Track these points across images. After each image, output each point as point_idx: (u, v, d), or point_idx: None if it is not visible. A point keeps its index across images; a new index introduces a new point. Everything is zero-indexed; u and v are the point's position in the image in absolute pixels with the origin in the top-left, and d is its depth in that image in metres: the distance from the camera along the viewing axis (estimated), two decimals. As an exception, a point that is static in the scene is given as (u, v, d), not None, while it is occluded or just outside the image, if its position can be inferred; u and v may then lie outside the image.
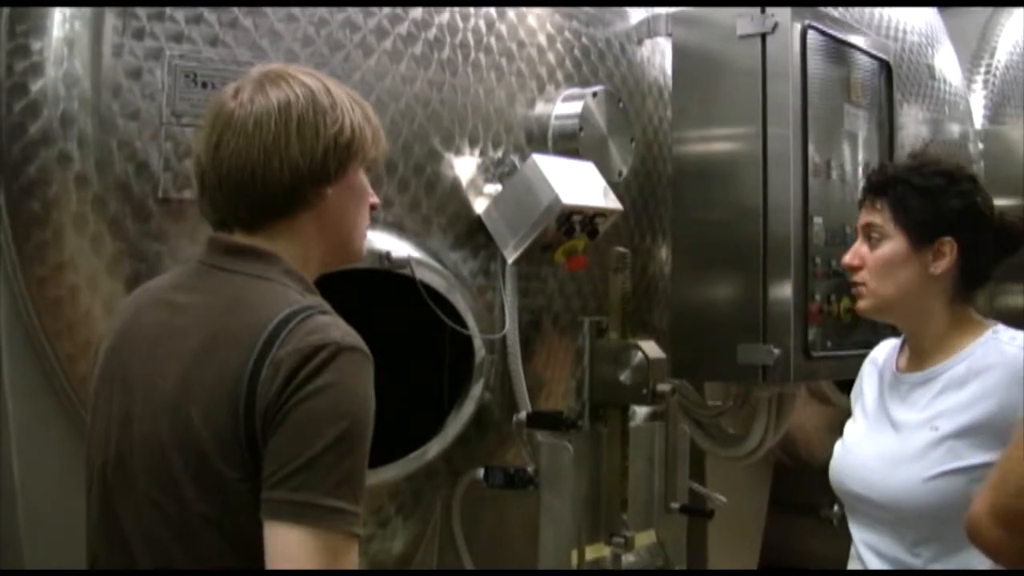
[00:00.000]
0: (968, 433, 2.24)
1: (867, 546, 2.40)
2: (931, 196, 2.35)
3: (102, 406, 1.86)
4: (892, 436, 2.37)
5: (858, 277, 2.42)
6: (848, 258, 2.45)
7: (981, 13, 6.67)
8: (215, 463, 1.66)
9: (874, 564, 2.37)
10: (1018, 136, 5.78)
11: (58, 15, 2.45)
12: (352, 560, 1.63)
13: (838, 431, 4.84)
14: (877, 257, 2.38)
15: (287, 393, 1.63)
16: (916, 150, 2.78)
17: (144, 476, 1.74)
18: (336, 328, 1.70)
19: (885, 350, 2.56)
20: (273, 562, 1.60)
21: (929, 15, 5.54)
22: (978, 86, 6.22)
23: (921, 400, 2.35)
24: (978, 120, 6.00)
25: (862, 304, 2.44)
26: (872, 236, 2.40)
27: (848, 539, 4.91)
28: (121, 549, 1.78)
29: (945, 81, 5.46)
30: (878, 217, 2.38)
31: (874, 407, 2.48)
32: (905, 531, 2.31)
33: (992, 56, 6.35)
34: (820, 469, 2.83)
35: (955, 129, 5.51)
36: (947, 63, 5.56)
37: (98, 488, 1.83)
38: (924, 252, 2.35)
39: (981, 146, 5.71)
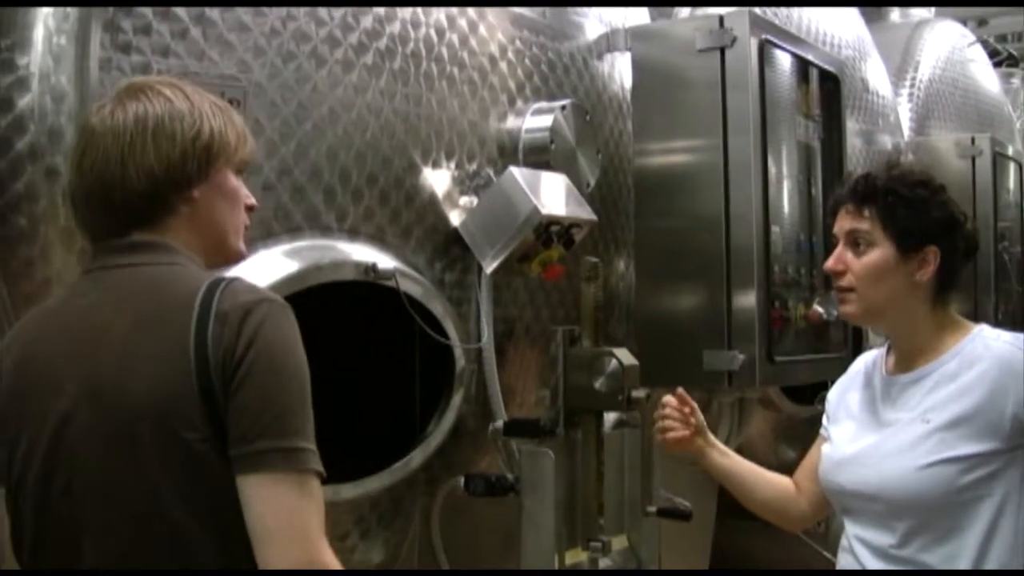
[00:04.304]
0: (958, 424, 2.33)
1: (858, 539, 2.46)
2: (917, 206, 2.42)
3: (17, 427, 1.84)
4: (884, 432, 2.45)
5: (844, 282, 2.46)
6: (832, 263, 2.49)
7: (905, 28, 6.87)
8: (174, 429, 1.70)
9: (865, 555, 2.44)
10: (946, 147, 5.96)
11: (43, 30, 2.44)
12: (321, 496, 1.74)
13: (784, 437, 4.96)
14: (866, 264, 2.44)
15: (241, 346, 1.71)
16: (892, 160, 2.87)
17: (98, 468, 1.75)
18: (260, 288, 1.83)
19: (869, 359, 2.64)
20: (265, 512, 1.68)
21: (859, 28, 5.70)
22: (903, 99, 6.40)
23: (912, 399, 2.43)
24: (905, 132, 6.18)
25: (850, 309, 2.48)
26: (858, 243, 2.46)
27: (795, 543, 5.01)
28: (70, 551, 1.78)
29: (877, 94, 5.62)
30: (865, 224, 2.44)
31: (863, 410, 2.54)
32: (896, 523, 2.38)
33: (916, 70, 6.54)
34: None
35: (887, 140, 5.67)
36: (878, 76, 5.72)
37: (32, 499, 1.82)
38: (910, 260, 2.42)
39: (911, 157, 5.88)
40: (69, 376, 1.80)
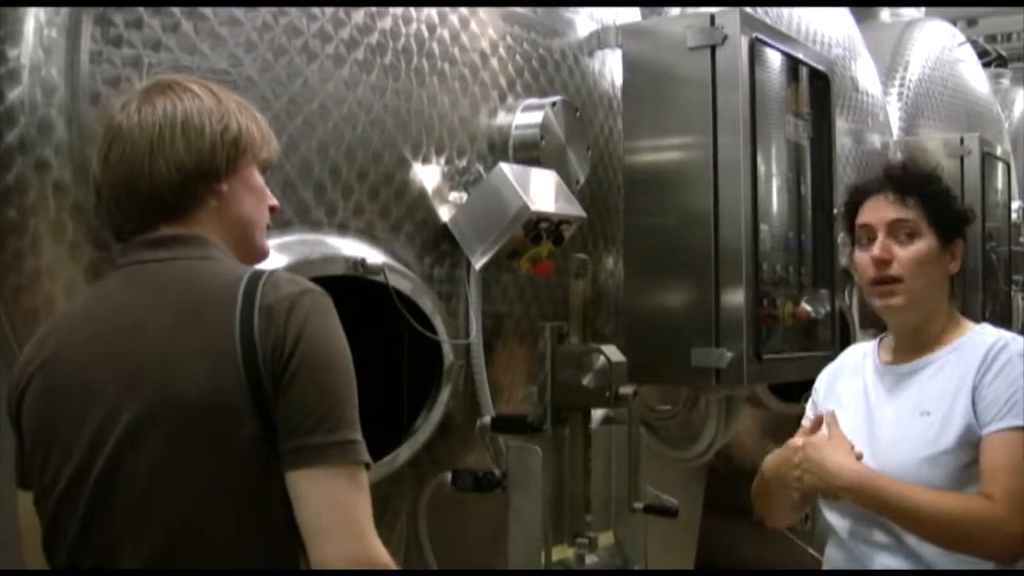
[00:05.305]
0: (956, 415, 2.34)
1: (851, 533, 2.46)
2: (948, 198, 2.45)
3: (52, 431, 1.83)
4: (883, 424, 2.45)
5: (892, 271, 2.43)
6: (879, 251, 2.44)
7: (895, 27, 6.89)
8: (224, 425, 1.70)
9: (862, 549, 2.43)
10: (935, 147, 5.98)
11: (33, 22, 2.43)
12: (368, 487, 1.75)
13: (771, 435, 4.97)
14: (914, 253, 2.42)
15: (290, 340, 1.71)
16: (904, 156, 2.86)
17: (143, 468, 1.73)
18: (301, 279, 1.82)
19: (858, 351, 2.64)
20: (321, 507, 1.68)
21: (849, 28, 5.71)
22: (893, 98, 6.41)
23: (910, 389, 2.43)
24: (894, 131, 6.20)
25: (897, 301, 2.44)
26: (903, 233, 2.44)
27: (781, 540, 5.01)
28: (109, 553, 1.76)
29: (867, 93, 5.64)
30: (910, 214, 2.43)
31: (856, 401, 2.54)
32: None
33: (906, 69, 6.56)
34: (752, 472, 2.92)
35: (876, 139, 5.68)
36: (867, 75, 5.74)
37: (68, 503, 1.80)
38: (946, 251, 2.44)
39: (900, 156, 5.89)
40: (108, 376, 1.78)
